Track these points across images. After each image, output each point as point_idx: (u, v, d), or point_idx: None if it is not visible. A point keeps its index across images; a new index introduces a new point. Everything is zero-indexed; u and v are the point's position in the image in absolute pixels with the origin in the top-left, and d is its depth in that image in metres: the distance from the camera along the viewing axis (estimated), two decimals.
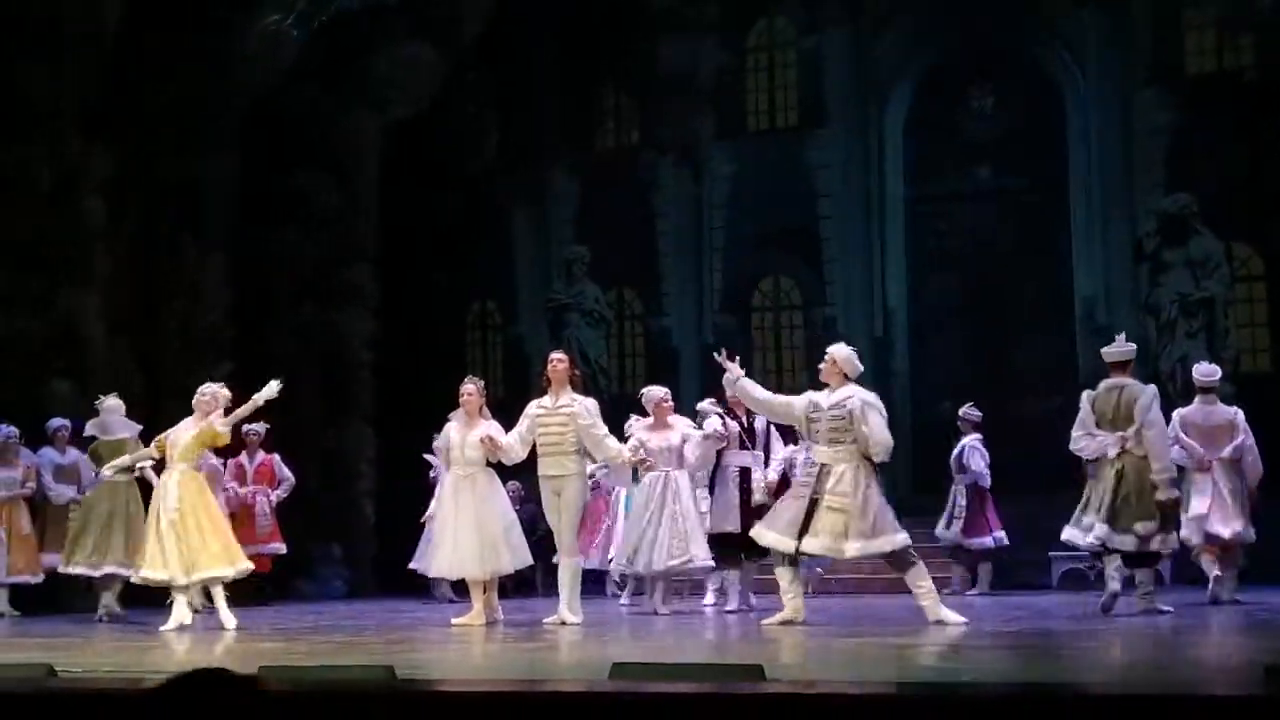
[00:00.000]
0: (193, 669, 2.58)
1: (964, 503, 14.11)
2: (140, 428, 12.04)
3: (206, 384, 10.69)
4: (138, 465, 11.10)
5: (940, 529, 14.25)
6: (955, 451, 14.26)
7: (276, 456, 14.60)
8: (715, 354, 10.04)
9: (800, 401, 9.52)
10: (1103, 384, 10.35)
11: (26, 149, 14.31)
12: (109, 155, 14.82)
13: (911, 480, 17.74)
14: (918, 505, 16.54)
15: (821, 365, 9.53)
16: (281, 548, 14.58)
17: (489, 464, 10.38)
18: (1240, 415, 11.47)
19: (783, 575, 9.44)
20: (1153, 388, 10.45)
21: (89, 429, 11.91)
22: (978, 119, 19.59)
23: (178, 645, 9.03)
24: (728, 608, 11.30)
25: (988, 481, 14.10)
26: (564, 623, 9.81)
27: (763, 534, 9.48)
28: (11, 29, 14.33)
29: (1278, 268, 17.93)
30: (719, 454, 11.13)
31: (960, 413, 14.45)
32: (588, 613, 10.31)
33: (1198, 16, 18.47)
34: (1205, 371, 11.65)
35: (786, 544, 9.21)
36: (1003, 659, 7.06)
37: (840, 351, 9.49)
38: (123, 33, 14.83)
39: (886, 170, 19.69)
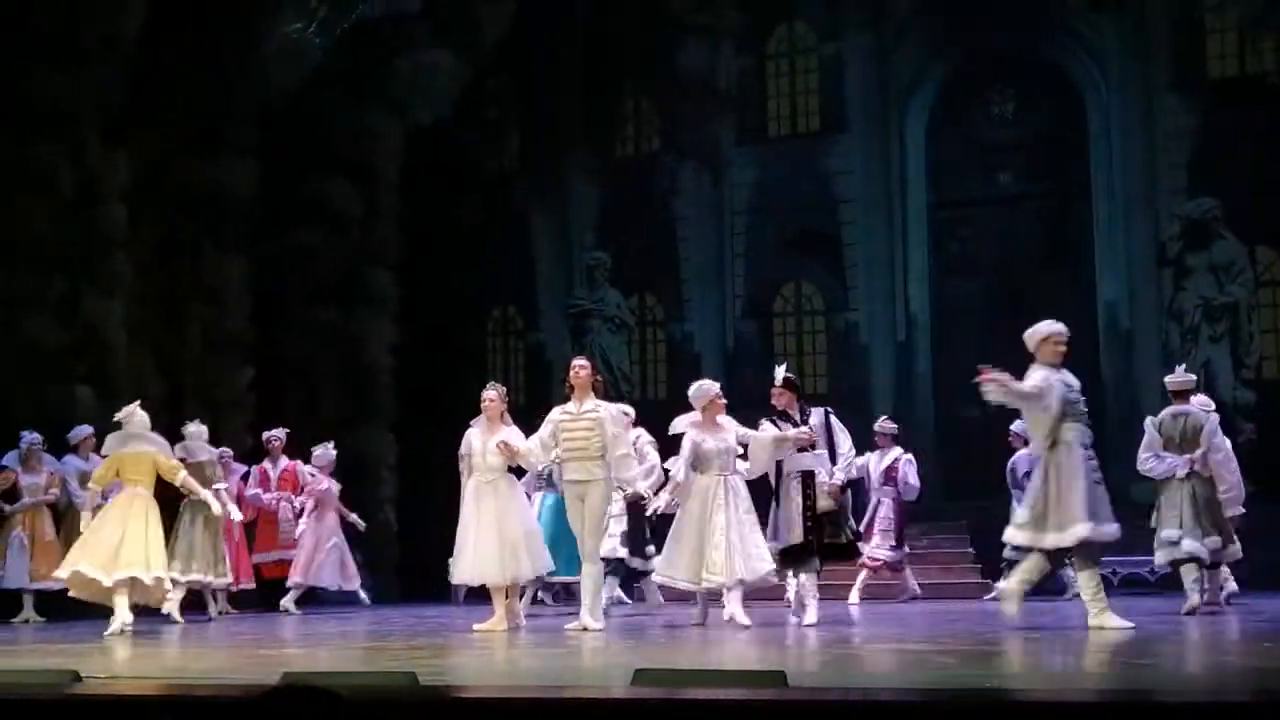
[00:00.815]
0: (288, 684, 2.60)
1: None
2: (217, 451, 13.00)
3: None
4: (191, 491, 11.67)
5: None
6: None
7: (300, 463, 14.63)
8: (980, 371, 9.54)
9: (1056, 385, 9.27)
10: (1167, 411, 11.26)
11: (48, 155, 14.37)
12: (130, 161, 14.88)
13: (940, 485, 17.69)
14: (942, 511, 16.52)
15: (1058, 347, 9.47)
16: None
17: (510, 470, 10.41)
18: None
19: (1090, 579, 9.08)
20: (1215, 416, 11.30)
21: (176, 452, 12.05)
22: (999, 124, 19.56)
23: (199, 651, 9.04)
24: (807, 621, 10.30)
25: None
26: (586, 629, 9.80)
27: (1073, 531, 8.92)
28: (33, 36, 14.40)
29: None
30: (779, 461, 10.44)
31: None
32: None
33: (1219, 20, 18.42)
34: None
35: (1113, 531, 9.00)
36: (1026, 664, 7.03)
37: (1063, 329, 9.58)
38: (143, 39, 14.89)
39: (908, 175, 19.67)
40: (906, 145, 19.71)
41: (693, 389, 10.73)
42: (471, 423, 10.58)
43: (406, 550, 17.51)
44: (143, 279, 15.29)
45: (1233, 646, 8.13)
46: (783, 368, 10.91)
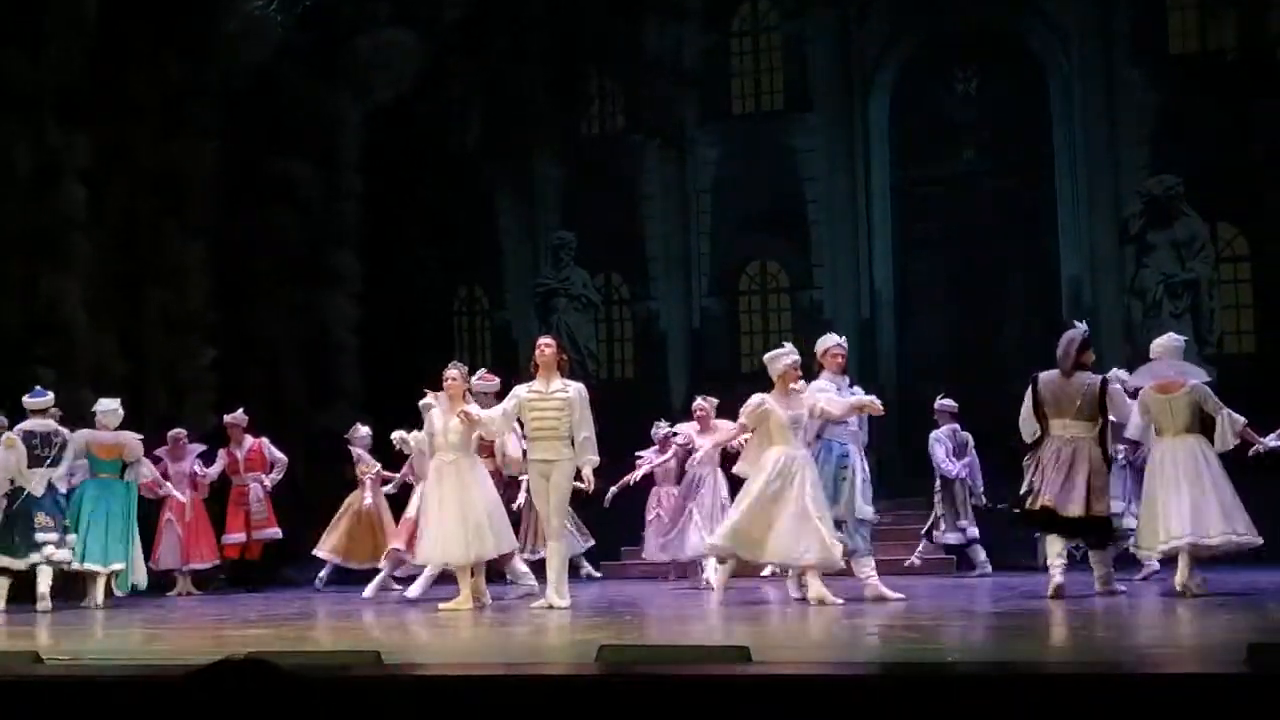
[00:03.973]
0: (225, 658, 2.58)
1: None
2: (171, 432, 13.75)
3: None
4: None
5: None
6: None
7: (265, 440, 14.50)
8: None
9: None
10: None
11: (6, 135, 14.22)
12: (90, 141, 14.74)
13: (900, 463, 17.77)
14: (905, 487, 16.58)
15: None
16: (278, 533, 14.48)
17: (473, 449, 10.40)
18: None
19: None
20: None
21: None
22: (962, 102, 19.60)
23: (163, 632, 9.01)
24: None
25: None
26: (551, 606, 9.80)
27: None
28: None
29: (1262, 248, 17.98)
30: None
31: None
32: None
33: None
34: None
35: None
36: (988, 639, 7.08)
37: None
38: (104, 17, 14.75)
39: (872, 153, 19.68)
40: (870, 123, 19.72)
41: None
42: (434, 402, 10.56)
43: None
44: (103, 259, 15.15)
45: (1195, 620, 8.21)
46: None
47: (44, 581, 11.16)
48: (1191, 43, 18.51)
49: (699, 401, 12.90)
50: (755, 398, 9.89)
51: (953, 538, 13.91)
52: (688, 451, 12.60)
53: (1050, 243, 18.82)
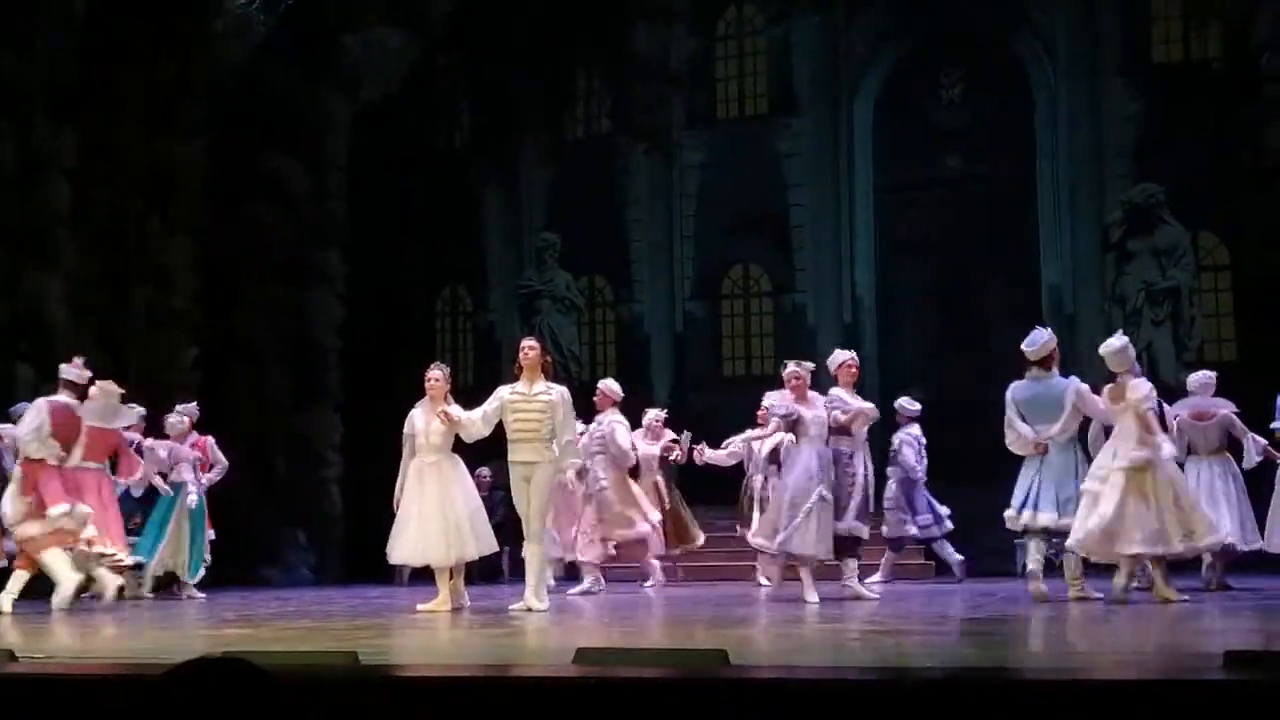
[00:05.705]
0: (202, 657, 2.58)
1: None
2: None
3: None
4: None
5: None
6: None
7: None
8: None
9: None
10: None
11: None
12: (76, 138, 14.71)
13: (878, 466, 17.78)
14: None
15: None
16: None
17: (454, 449, 10.38)
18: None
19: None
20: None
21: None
22: (947, 107, 19.66)
23: (139, 630, 8.99)
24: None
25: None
26: (530, 609, 9.80)
27: None
28: None
29: (1243, 257, 18.06)
30: None
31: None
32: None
33: (1165, 6, 18.60)
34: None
35: None
36: (966, 644, 7.09)
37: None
38: (91, 15, 14.72)
39: (856, 158, 19.74)
40: (855, 128, 19.78)
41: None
42: (418, 404, 10.55)
43: (351, 531, 17.44)
44: (87, 256, 15.11)
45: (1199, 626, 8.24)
46: None
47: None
48: (1175, 52, 18.62)
49: (793, 367, 11.06)
50: (1146, 384, 10.01)
51: (913, 530, 14.09)
52: (791, 424, 10.94)
53: (1032, 249, 18.90)
